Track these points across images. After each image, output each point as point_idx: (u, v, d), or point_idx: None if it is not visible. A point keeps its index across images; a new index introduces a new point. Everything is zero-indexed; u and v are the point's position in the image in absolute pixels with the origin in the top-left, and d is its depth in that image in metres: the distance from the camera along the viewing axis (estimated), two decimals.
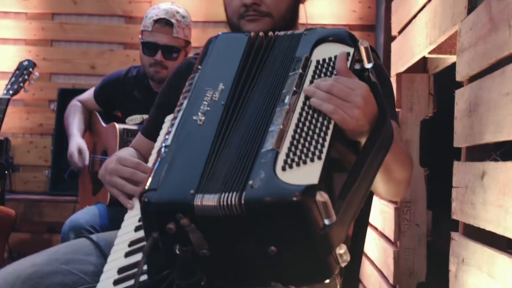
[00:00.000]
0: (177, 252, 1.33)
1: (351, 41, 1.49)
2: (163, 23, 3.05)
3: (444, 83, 3.03)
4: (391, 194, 1.70)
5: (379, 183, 1.58)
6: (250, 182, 1.28)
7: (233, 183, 1.31)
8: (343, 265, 1.28)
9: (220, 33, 1.71)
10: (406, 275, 2.99)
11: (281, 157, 1.30)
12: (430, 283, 3.00)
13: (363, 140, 1.42)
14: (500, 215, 1.56)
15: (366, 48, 1.46)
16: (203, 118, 1.47)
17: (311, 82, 1.44)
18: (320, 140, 1.33)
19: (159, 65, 3.05)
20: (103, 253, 1.64)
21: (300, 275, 1.30)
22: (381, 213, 3.28)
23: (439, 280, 2.42)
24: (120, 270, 1.50)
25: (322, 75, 1.45)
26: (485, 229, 1.68)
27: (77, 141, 3.16)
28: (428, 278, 3.00)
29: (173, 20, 3.06)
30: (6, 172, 3.60)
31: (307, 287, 1.33)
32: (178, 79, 1.88)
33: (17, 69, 3.45)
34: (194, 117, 1.47)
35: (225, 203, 1.28)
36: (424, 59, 3.04)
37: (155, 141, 1.71)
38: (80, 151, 3.12)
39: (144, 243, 1.48)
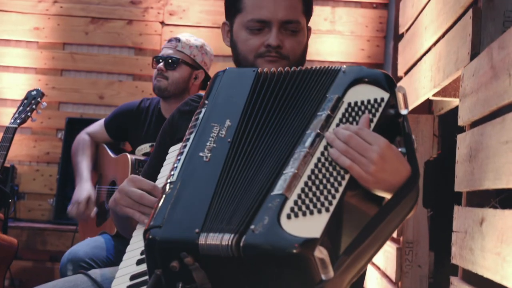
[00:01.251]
0: None
1: (388, 86, 1.48)
2: (173, 40, 3.22)
3: (449, 125, 3.03)
4: None
5: None
6: (252, 226, 1.27)
7: (236, 224, 1.31)
8: None
9: (227, 68, 1.71)
10: None
11: (289, 204, 1.29)
12: None
13: (385, 195, 1.40)
14: (497, 263, 1.55)
15: (403, 95, 1.45)
16: (209, 155, 1.46)
17: (338, 125, 1.42)
18: (332, 191, 1.32)
19: (160, 74, 3.16)
20: None
21: None
22: (384, 253, 3.27)
23: None
24: None
25: (351, 119, 1.44)
26: (483, 276, 1.68)
27: (87, 189, 3.12)
28: None
29: (182, 37, 3.21)
30: (10, 200, 3.61)
31: None
32: (180, 119, 1.88)
33: (25, 98, 3.47)
34: (201, 154, 1.47)
35: (226, 243, 1.29)
36: (429, 101, 3.04)
37: (155, 181, 1.70)
38: (88, 201, 3.09)
39: (145, 277, 1.48)
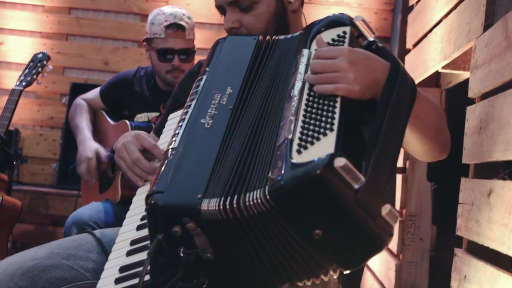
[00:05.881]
0: (181, 254, 1.33)
1: (346, 21, 1.52)
2: (175, 27, 3.03)
3: (457, 99, 3.02)
4: (429, 156, 1.69)
5: (412, 142, 1.60)
6: (270, 175, 1.25)
7: (237, 185, 1.30)
8: (394, 225, 1.22)
9: (228, 35, 1.71)
10: None
11: (295, 143, 1.27)
12: None
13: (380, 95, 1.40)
14: (505, 234, 1.55)
15: (363, 22, 1.50)
16: (210, 121, 1.47)
17: None
18: (330, 115, 1.32)
19: (177, 70, 3.03)
20: (104, 250, 1.64)
21: (352, 254, 1.25)
22: None
23: None
24: (122, 269, 1.49)
25: None
26: (489, 247, 1.67)
27: (94, 145, 3.03)
28: None
29: (183, 23, 3.04)
30: (14, 162, 3.60)
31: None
32: (190, 81, 1.89)
33: (31, 61, 3.45)
34: (202, 120, 1.48)
35: (228, 206, 1.28)
36: (437, 74, 3.03)
37: None
38: (98, 156, 2.99)
39: (146, 242, 1.48)
